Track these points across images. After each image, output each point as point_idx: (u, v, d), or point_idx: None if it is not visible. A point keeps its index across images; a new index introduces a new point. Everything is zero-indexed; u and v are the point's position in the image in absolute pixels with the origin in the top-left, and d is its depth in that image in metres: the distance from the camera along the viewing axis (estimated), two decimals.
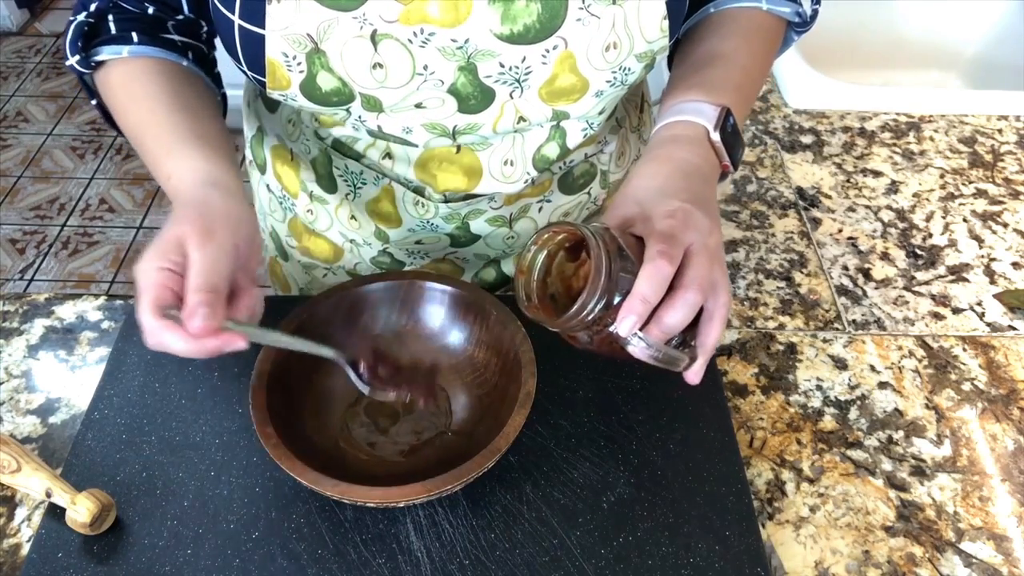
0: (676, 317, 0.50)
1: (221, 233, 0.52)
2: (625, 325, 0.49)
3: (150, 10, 0.64)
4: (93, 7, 0.64)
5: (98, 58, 0.65)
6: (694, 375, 0.55)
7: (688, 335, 0.54)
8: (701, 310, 0.53)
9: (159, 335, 0.50)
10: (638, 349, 0.51)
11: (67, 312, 0.78)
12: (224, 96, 0.72)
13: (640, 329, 0.50)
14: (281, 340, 0.57)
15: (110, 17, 0.64)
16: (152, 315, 0.50)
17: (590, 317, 0.50)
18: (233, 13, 0.57)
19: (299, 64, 0.58)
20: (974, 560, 0.62)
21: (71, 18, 0.65)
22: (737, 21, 0.68)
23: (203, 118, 0.63)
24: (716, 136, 0.59)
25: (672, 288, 0.51)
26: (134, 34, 0.64)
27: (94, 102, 0.70)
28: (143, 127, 0.63)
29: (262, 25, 0.57)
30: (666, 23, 0.60)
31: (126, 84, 0.65)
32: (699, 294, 0.51)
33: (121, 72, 0.65)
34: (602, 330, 0.52)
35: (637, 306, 0.49)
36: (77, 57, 0.64)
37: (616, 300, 0.50)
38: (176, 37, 0.67)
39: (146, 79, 0.64)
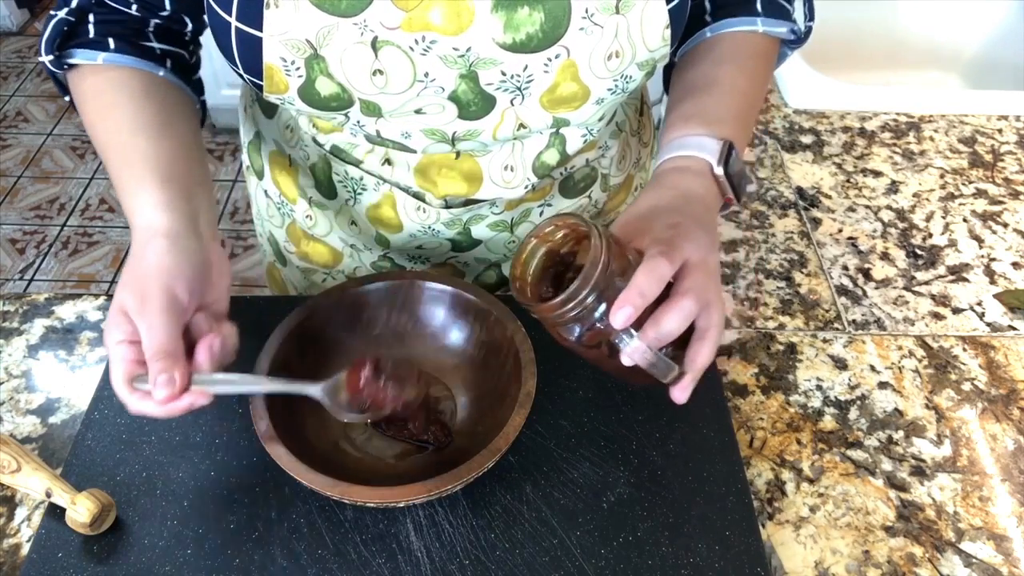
0: (672, 321, 0.51)
1: (155, 294, 0.53)
2: (620, 316, 0.49)
3: (133, 8, 0.63)
4: (75, 3, 0.63)
5: (71, 61, 0.64)
6: (681, 392, 0.55)
7: (678, 354, 0.54)
8: (692, 329, 0.53)
9: (135, 406, 0.54)
10: (631, 348, 0.51)
11: (67, 312, 0.78)
12: (203, 103, 0.71)
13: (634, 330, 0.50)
14: (254, 387, 0.58)
15: (91, 17, 0.63)
16: (124, 389, 0.54)
17: (581, 306, 0.50)
18: (230, 15, 0.57)
19: (298, 69, 0.58)
20: (974, 560, 0.62)
21: (52, 12, 0.64)
22: (735, 45, 0.68)
23: (168, 137, 0.62)
24: (720, 171, 0.60)
25: (669, 296, 0.51)
26: (111, 40, 0.63)
27: (67, 98, 0.69)
28: (108, 148, 0.62)
29: (260, 28, 0.56)
30: (668, 31, 0.60)
31: (97, 95, 0.64)
32: (695, 304, 0.51)
33: (93, 81, 0.64)
34: (593, 325, 0.52)
35: (634, 297, 0.49)
36: (51, 57, 0.63)
37: (608, 298, 0.50)
38: (156, 44, 0.65)
39: (117, 92, 0.63)
